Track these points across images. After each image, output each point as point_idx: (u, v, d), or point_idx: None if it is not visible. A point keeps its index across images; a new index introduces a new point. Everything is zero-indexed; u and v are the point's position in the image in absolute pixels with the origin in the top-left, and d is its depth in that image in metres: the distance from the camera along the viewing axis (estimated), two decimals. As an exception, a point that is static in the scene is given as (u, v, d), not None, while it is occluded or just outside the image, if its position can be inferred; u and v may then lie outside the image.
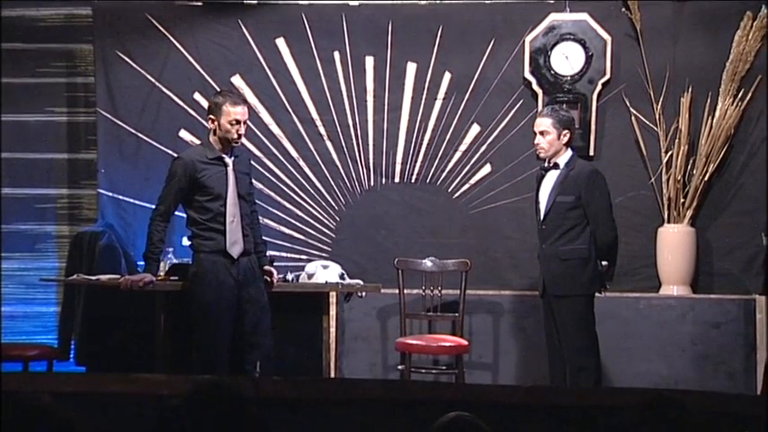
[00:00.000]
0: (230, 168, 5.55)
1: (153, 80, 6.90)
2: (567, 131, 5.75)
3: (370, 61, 6.90)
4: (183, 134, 6.90)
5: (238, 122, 5.52)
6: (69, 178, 7.13)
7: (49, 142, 7.07)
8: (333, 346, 6.10)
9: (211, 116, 5.56)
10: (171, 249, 6.29)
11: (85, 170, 7.11)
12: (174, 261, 6.20)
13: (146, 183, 6.80)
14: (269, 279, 5.77)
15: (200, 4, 6.96)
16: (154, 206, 5.70)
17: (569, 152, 5.79)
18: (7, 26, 7.03)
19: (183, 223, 6.81)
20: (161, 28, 6.92)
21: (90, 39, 7.00)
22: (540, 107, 6.63)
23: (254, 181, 6.87)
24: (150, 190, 6.49)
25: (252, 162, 5.98)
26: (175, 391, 3.41)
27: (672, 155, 6.65)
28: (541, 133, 5.75)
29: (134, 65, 6.92)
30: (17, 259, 7.00)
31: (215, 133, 5.56)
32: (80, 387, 3.99)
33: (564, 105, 6.51)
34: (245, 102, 5.70)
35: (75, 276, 6.27)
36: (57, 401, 2.57)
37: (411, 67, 6.89)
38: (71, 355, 6.62)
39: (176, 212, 6.24)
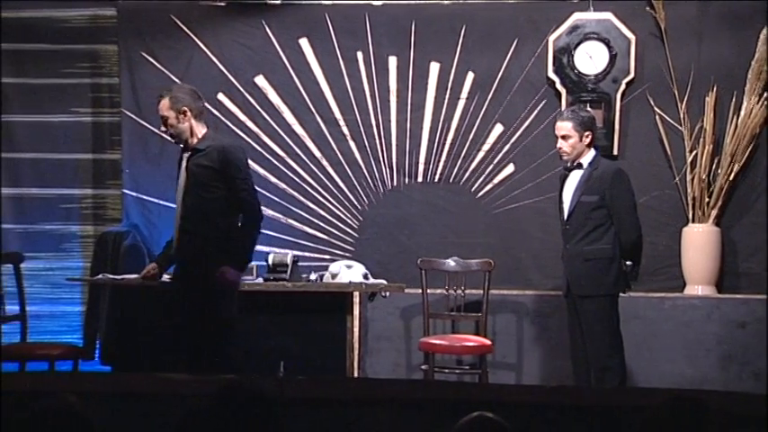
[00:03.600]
0: (183, 163, 5.37)
1: (177, 80, 6.91)
2: (588, 132, 5.73)
3: (393, 61, 6.90)
4: (207, 134, 6.92)
5: (161, 118, 5.36)
6: (94, 178, 7.17)
7: (73, 142, 7.11)
8: (356, 345, 6.12)
9: None
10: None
11: (110, 170, 7.14)
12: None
13: (170, 183, 6.78)
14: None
15: (223, 4, 6.98)
16: None
17: (592, 152, 5.77)
18: (33, 27, 7.07)
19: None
20: (185, 28, 6.94)
21: (114, 39, 7.04)
22: (563, 106, 6.61)
23: (275, 181, 6.89)
24: (174, 190, 6.51)
25: (227, 155, 5.25)
26: (200, 391, 3.42)
27: (696, 154, 6.62)
28: (563, 137, 5.73)
29: (158, 65, 6.95)
30: (43, 259, 7.04)
31: None
32: (105, 387, 4.01)
33: (587, 105, 6.50)
34: (160, 96, 5.36)
35: (100, 276, 6.31)
36: (82, 401, 2.59)
37: (434, 67, 6.88)
38: (96, 355, 6.65)
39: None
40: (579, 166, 5.75)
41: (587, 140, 5.73)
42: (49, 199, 7.10)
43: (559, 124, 5.79)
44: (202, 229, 5.24)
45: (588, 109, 6.16)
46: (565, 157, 5.78)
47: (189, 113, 5.30)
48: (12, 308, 6.36)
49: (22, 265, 6.49)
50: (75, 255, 7.07)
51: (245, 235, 5.27)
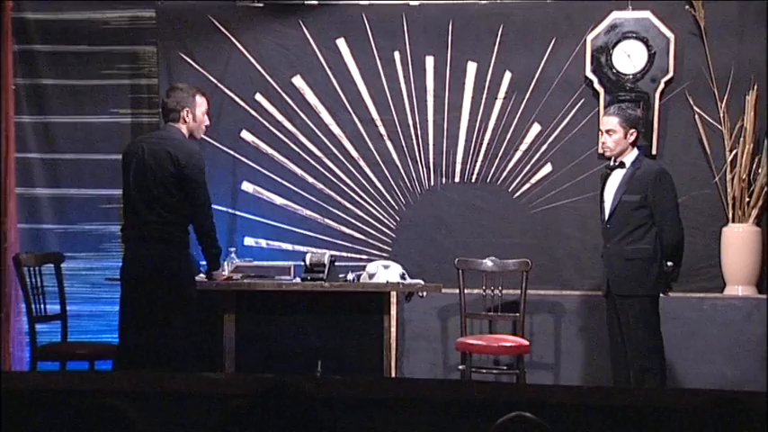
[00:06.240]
0: None
1: (215, 81, 6.95)
2: (633, 130, 5.72)
3: (430, 61, 6.90)
4: (245, 135, 6.96)
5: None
6: (133, 179, 7.20)
7: (113, 143, 7.15)
8: (393, 345, 6.12)
9: (188, 108, 5.59)
10: (233, 249, 6.35)
11: (149, 171, 7.17)
12: (237, 261, 6.25)
13: (208, 183, 6.84)
14: None
15: (261, 5, 7.01)
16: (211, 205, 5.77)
17: (635, 151, 5.76)
18: (73, 29, 7.13)
19: (246, 223, 6.87)
20: (223, 29, 6.97)
21: (153, 41, 7.08)
22: (601, 106, 6.59)
23: (312, 181, 6.93)
24: (212, 190, 6.54)
25: None
26: (240, 391, 3.44)
27: (736, 153, 6.57)
28: (608, 132, 5.73)
29: (196, 66, 6.98)
30: (83, 259, 7.10)
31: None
32: (145, 386, 4.03)
33: (627, 104, 6.47)
34: None
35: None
36: (128, 403, 2.60)
37: (471, 67, 6.87)
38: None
39: (238, 212, 6.29)
40: (621, 165, 5.74)
41: (631, 138, 5.73)
42: (89, 199, 7.15)
43: (605, 119, 5.80)
44: None
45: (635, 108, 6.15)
46: (607, 153, 5.77)
47: None
48: (52, 307, 6.42)
49: (63, 265, 6.55)
50: (114, 254, 7.11)
51: None
